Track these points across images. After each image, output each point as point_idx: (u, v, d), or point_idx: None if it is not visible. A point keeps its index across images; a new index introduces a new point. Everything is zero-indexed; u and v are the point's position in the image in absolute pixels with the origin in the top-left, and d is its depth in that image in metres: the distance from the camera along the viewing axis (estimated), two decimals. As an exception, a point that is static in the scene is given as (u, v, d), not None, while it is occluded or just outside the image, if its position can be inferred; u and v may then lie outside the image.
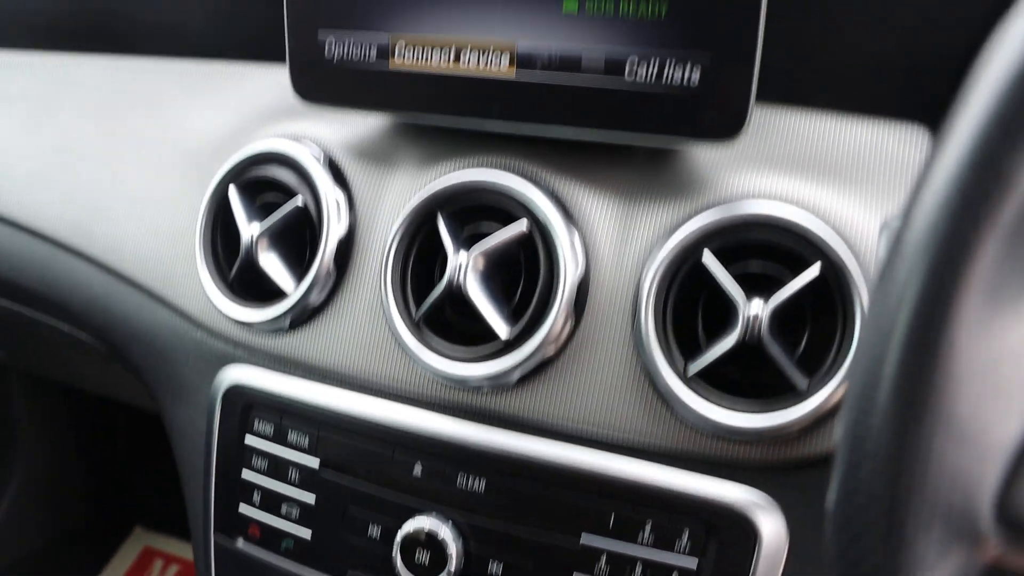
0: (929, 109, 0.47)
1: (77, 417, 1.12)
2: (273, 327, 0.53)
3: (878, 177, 0.46)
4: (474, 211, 0.49)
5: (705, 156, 0.48)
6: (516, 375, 0.47)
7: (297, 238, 0.54)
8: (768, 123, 0.49)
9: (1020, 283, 0.23)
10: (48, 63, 0.67)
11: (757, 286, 0.44)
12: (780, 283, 0.44)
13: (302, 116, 0.55)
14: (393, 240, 0.49)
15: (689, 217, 0.46)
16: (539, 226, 0.47)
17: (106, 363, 0.68)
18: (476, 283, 0.47)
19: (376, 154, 0.53)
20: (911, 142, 0.47)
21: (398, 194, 0.52)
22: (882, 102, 0.47)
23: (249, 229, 0.53)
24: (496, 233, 0.47)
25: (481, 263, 0.47)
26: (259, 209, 0.54)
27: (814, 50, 0.48)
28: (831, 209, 0.45)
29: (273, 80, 0.58)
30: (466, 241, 0.48)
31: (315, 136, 0.55)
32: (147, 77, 0.63)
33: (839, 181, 0.46)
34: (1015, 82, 0.22)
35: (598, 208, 0.48)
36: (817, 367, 0.44)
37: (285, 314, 0.52)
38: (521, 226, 0.47)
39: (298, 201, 0.52)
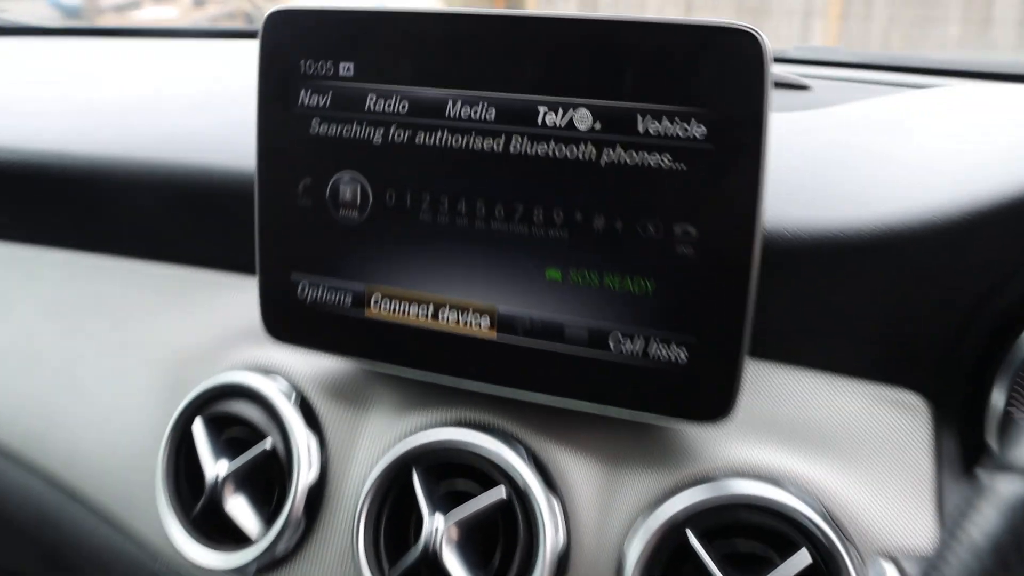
0: (925, 376, 0.50)
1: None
2: (238, 574, 0.55)
3: (870, 448, 0.49)
4: (451, 465, 0.52)
5: (692, 419, 0.51)
6: (493, 652, 0.49)
7: (265, 474, 0.56)
8: (756, 381, 0.52)
9: None
10: (5, 255, 0.70)
11: (744, 564, 0.47)
12: (770, 562, 0.47)
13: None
14: (366, 498, 0.51)
15: (674, 489, 0.48)
16: (518, 491, 0.49)
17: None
18: (451, 552, 0.49)
19: (350, 393, 0.56)
20: (905, 412, 0.50)
21: (372, 440, 0.54)
22: (875, 366, 0.50)
23: (215, 468, 0.55)
24: (473, 500, 0.49)
25: (456, 533, 0.49)
26: (225, 444, 0.57)
27: (804, 311, 0.51)
28: (821, 486, 0.48)
29: (248, 295, 0.61)
30: (442, 500, 0.51)
31: (287, 368, 0.57)
32: (113, 278, 0.66)
33: (829, 452, 0.49)
34: None
35: (580, 474, 0.50)
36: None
37: (251, 562, 0.54)
38: (499, 493, 0.49)
39: (267, 444, 0.55)
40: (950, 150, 0.55)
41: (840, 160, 0.55)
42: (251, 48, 0.52)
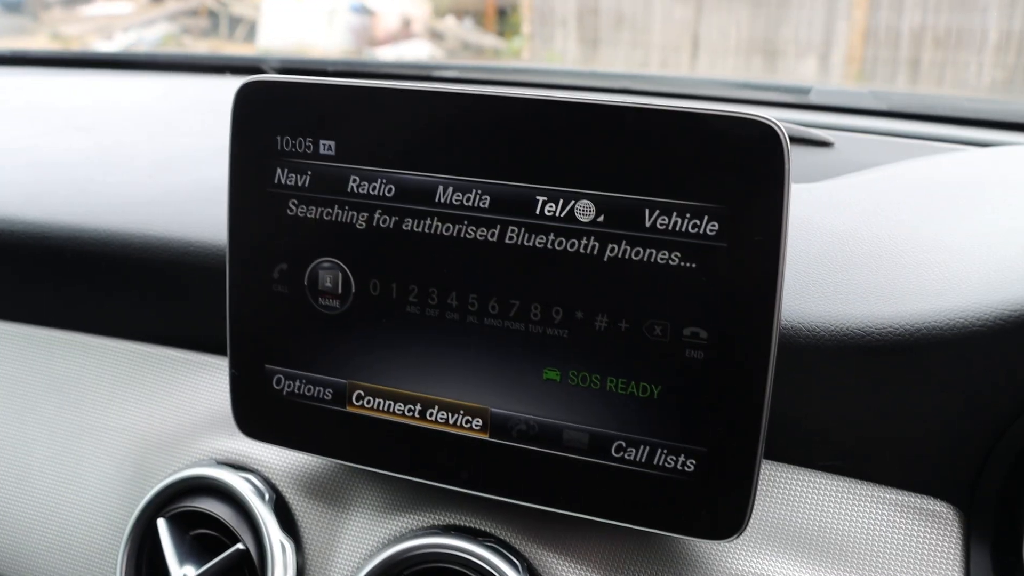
0: (955, 483, 0.51)
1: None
2: None
3: (895, 561, 0.50)
4: (438, 573, 0.52)
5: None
6: None
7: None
8: (771, 485, 0.52)
9: None
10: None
11: None
12: None
13: (245, 432, 0.59)
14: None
15: (682, 608, 0.49)
16: (513, 607, 0.50)
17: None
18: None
19: (330, 492, 0.56)
20: (933, 521, 0.50)
21: (353, 545, 0.55)
22: (901, 472, 0.51)
23: (180, 572, 0.55)
24: (464, 619, 0.50)
25: (447, 655, 0.50)
26: (191, 543, 0.57)
27: (823, 412, 0.52)
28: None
29: (218, 377, 0.61)
30: (430, 613, 0.51)
31: (260, 462, 0.58)
32: (69, 355, 0.66)
33: (850, 565, 0.50)
34: None
35: (580, 587, 0.51)
36: None
37: None
38: (492, 609, 0.50)
39: (239, 546, 0.55)
40: (995, 231, 0.56)
41: (867, 243, 0.55)
42: (230, 87, 0.51)
